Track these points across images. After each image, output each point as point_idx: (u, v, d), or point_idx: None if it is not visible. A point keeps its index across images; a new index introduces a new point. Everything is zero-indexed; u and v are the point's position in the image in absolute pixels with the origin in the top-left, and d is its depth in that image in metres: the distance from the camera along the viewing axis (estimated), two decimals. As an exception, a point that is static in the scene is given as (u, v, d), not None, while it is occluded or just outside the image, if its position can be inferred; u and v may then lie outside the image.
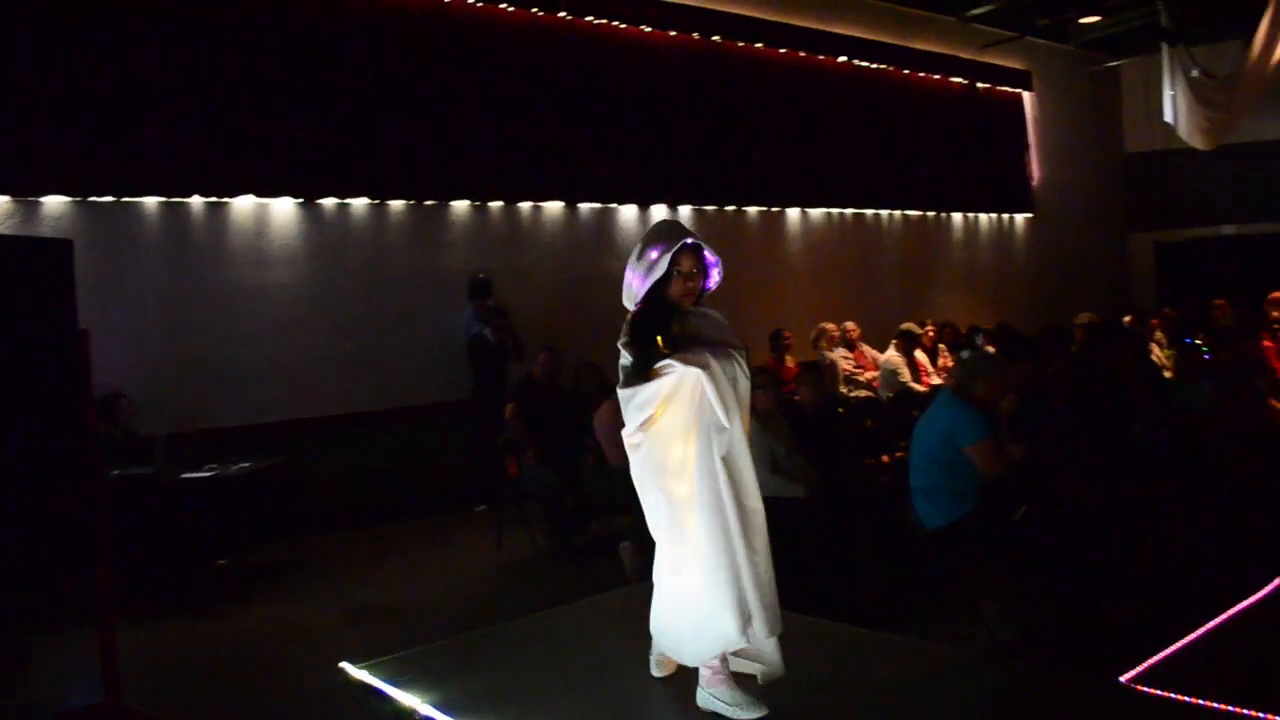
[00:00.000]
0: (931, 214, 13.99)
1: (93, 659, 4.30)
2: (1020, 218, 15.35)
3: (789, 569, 5.21)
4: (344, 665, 4.03)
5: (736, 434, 3.24)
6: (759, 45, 11.59)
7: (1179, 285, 15.22)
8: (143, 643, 5.57)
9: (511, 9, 9.62)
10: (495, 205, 9.75)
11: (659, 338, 3.30)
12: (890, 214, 13.43)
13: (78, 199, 7.63)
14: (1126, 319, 10.90)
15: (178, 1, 7.91)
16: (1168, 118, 12.39)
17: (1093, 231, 16.27)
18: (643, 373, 3.27)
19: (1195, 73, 12.05)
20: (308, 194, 8.63)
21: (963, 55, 13.96)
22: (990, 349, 9.22)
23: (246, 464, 7.12)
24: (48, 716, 4.74)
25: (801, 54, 12.07)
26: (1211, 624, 4.14)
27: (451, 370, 9.13)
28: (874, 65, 12.84)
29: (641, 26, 10.59)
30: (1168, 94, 12.26)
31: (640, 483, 3.42)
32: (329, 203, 8.78)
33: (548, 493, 7.36)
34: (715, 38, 11.19)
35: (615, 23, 10.39)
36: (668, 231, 3.41)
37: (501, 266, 9.49)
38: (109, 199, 7.75)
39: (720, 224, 11.45)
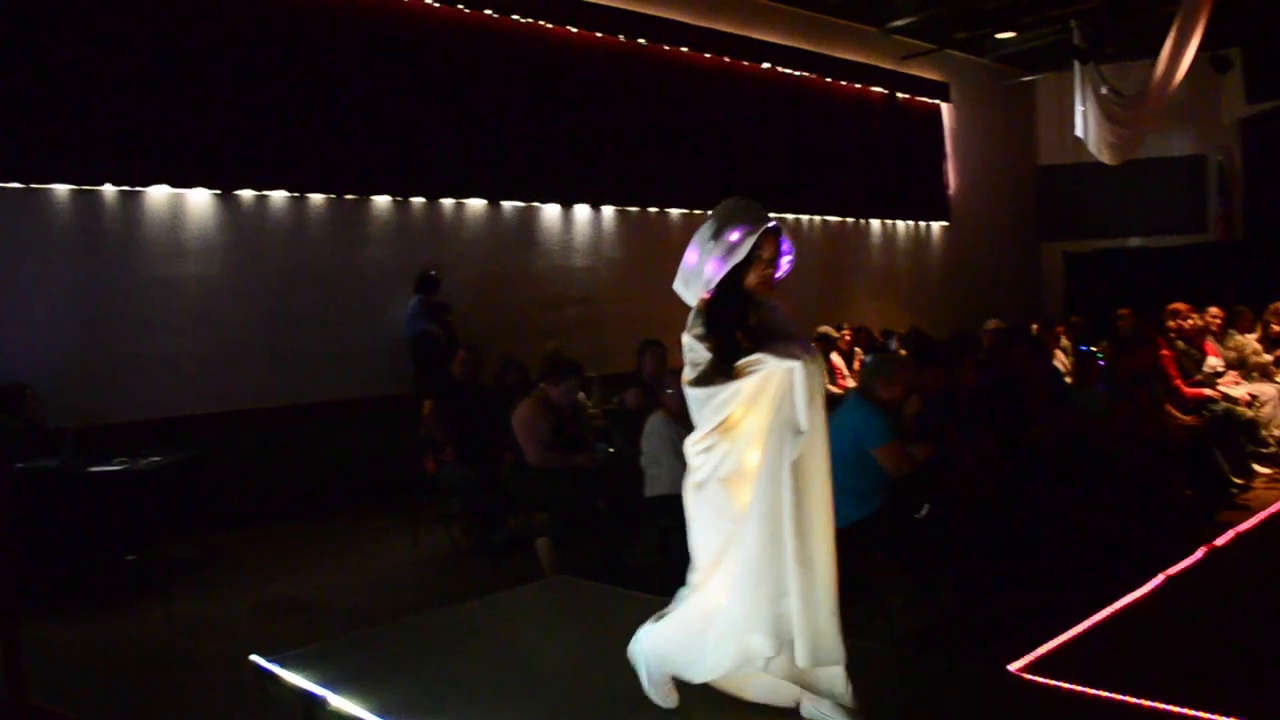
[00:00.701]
0: (851, 220, 14.27)
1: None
2: (936, 225, 15.72)
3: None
4: (254, 658, 4.03)
5: (817, 437, 2.96)
6: (684, 49, 11.71)
7: (1087, 294, 15.69)
8: (49, 639, 5.45)
9: (437, 4, 9.60)
10: (417, 201, 9.71)
11: (739, 332, 3.01)
12: (811, 219, 13.67)
13: (-16, 185, 7.44)
14: (1034, 326, 11.24)
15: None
16: (1078, 132, 12.78)
17: (1006, 240, 16.73)
18: (727, 370, 2.96)
19: (1104, 90, 12.45)
20: (224, 185, 8.50)
21: (883, 65, 14.28)
22: (903, 352, 9.44)
23: (157, 458, 6.98)
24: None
25: (726, 59, 12.23)
26: (1098, 617, 4.35)
27: (371, 366, 9.09)
28: (797, 73, 13.08)
29: (568, 27, 10.64)
30: (1079, 109, 12.63)
31: (708, 493, 3.06)
32: (247, 194, 8.66)
33: (466, 490, 7.36)
34: (641, 40, 11.28)
35: (542, 22, 10.42)
36: (747, 211, 3.06)
37: (423, 263, 9.45)
38: (16, 185, 7.54)
39: (643, 225, 11.56)
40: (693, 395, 3.02)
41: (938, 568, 5.19)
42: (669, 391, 6.09)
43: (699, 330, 3.03)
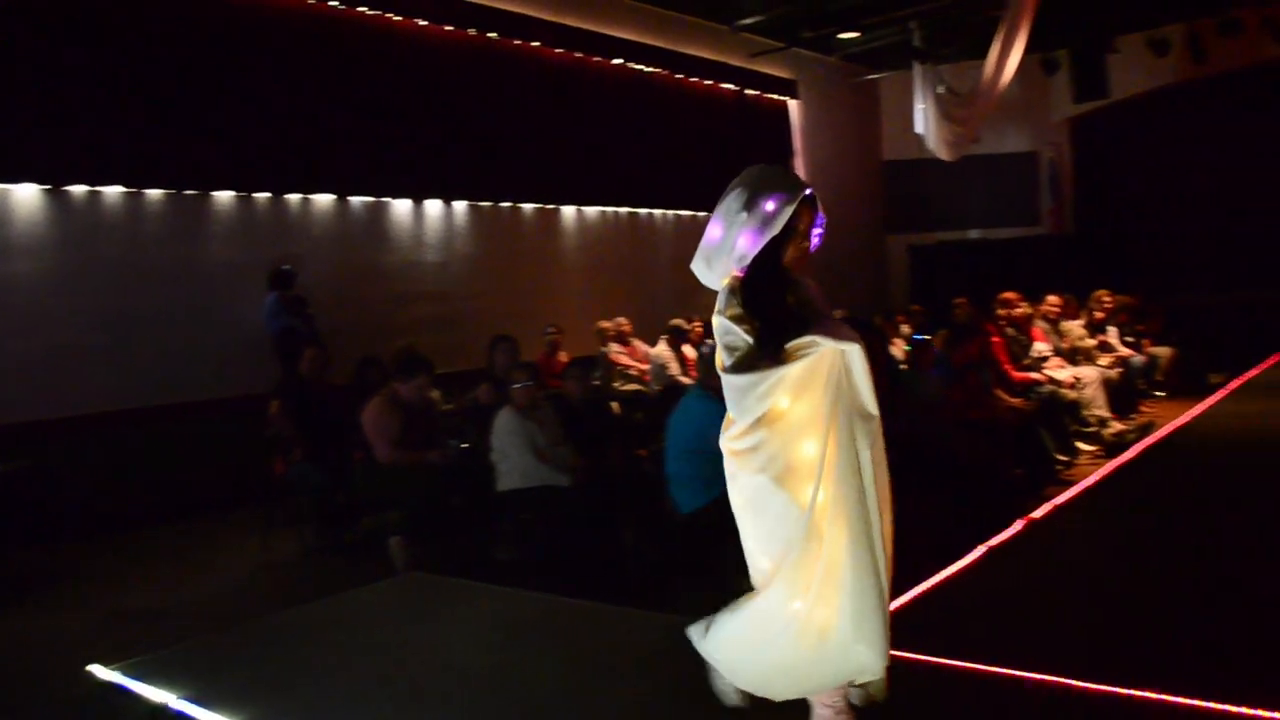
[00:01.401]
0: (702, 214, 14.49)
1: None
2: (786, 219, 16.11)
3: (560, 554, 5.41)
4: (92, 668, 3.94)
5: (878, 424, 2.74)
6: (535, 44, 11.74)
7: (930, 284, 16.36)
8: None
9: (281, -4, 9.40)
10: (261, 196, 9.48)
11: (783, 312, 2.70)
12: (663, 213, 13.90)
13: None
14: (877, 318, 11.67)
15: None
16: (918, 129, 13.32)
17: (853, 234, 17.27)
18: (774, 354, 2.65)
19: (942, 89, 13.02)
20: (53, 180, 8.13)
21: (732, 63, 14.59)
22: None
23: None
24: None
25: (577, 54, 12.30)
26: (922, 587, 4.60)
27: (218, 366, 8.84)
28: (648, 69, 13.26)
29: (417, 20, 10.55)
30: (918, 107, 13.17)
31: (755, 491, 2.77)
32: (78, 190, 8.31)
33: (316, 490, 7.26)
34: (492, 34, 11.25)
35: (390, 15, 10.29)
36: (782, 178, 2.78)
37: (271, 260, 9.23)
38: None
39: (496, 220, 11.55)
40: (732, 384, 2.71)
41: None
42: (516, 387, 6.15)
43: (735, 310, 2.74)
